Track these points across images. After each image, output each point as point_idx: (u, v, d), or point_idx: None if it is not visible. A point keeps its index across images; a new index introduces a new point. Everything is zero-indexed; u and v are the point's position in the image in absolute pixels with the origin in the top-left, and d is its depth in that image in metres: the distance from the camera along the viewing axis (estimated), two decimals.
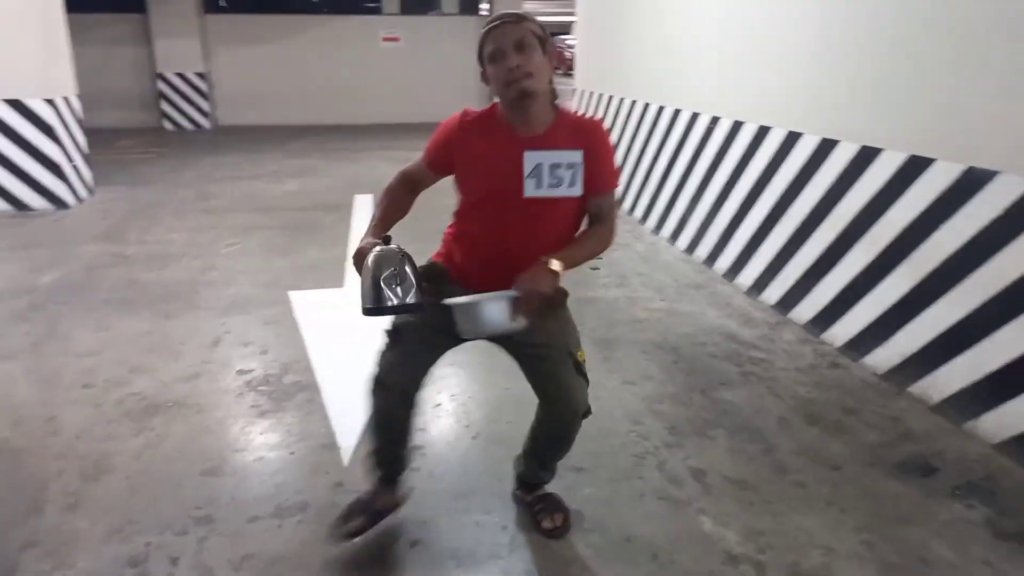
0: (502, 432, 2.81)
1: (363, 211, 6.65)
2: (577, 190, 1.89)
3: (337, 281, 4.72)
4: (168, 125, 13.17)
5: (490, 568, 2.15)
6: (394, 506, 2.28)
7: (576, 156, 1.87)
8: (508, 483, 2.47)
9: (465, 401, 3.12)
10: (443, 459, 2.71)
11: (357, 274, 1.79)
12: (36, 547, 2.23)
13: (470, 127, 1.94)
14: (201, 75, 13.09)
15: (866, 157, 3.41)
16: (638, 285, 4.68)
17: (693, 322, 4.04)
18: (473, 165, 1.92)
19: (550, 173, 1.86)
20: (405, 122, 13.70)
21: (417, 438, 2.80)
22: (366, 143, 11.52)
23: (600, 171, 1.92)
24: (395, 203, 2.01)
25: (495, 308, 1.77)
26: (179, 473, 2.61)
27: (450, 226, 2.10)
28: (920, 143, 3.10)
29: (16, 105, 6.41)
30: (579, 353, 2.04)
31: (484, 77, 1.90)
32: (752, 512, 2.39)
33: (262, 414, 3.03)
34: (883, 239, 3.31)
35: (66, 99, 6.82)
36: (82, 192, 7.05)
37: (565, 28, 35.90)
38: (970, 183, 2.83)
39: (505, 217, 1.91)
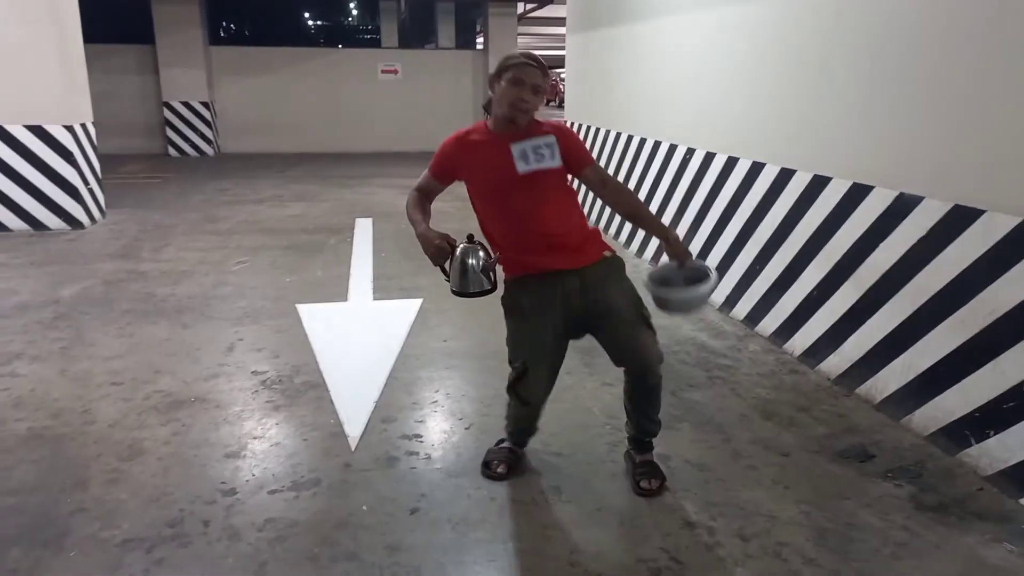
0: (490, 424, 3.16)
1: (364, 233, 7.03)
2: (557, 162, 2.44)
3: (341, 296, 5.10)
4: (172, 151, 13.60)
5: (480, 529, 2.50)
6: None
7: (550, 139, 2.44)
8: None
9: (459, 398, 3.48)
10: (439, 445, 3.06)
11: (427, 256, 2.37)
12: (84, 513, 2.56)
13: (464, 141, 2.54)
14: (205, 104, 13.57)
15: (819, 184, 3.82)
16: None
17: (667, 334, 4.39)
18: (475, 165, 2.50)
19: (533, 152, 2.42)
20: (401, 151, 14.20)
21: (417, 428, 3.18)
22: (363, 170, 11.96)
23: (575, 148, 2.50)
24: (423, 206, 2.57)
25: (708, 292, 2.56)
26: (204, 456, 2.96)
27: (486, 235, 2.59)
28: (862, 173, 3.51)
29: (37, 131, 6.81)
30: (645, 310, 2.61)
31: (492, 86, 2.45)
32: (708, 489, 2.75)
33: (276, 408, 3.38)
34: (834, 258, 3.71)
35: (83, 125, 7.23)
36: (96, 213, 7.45)
37: (559, 62, 36.60)
38: (903, 207, 3.24)
39: (512, 196, 2.43)
